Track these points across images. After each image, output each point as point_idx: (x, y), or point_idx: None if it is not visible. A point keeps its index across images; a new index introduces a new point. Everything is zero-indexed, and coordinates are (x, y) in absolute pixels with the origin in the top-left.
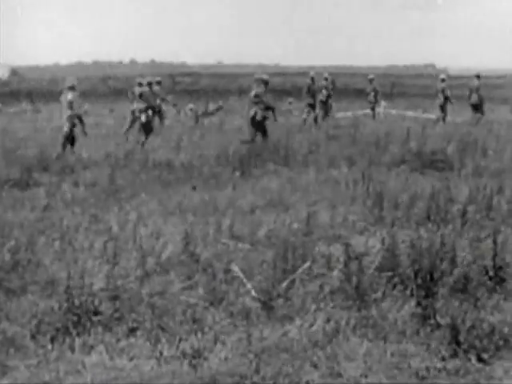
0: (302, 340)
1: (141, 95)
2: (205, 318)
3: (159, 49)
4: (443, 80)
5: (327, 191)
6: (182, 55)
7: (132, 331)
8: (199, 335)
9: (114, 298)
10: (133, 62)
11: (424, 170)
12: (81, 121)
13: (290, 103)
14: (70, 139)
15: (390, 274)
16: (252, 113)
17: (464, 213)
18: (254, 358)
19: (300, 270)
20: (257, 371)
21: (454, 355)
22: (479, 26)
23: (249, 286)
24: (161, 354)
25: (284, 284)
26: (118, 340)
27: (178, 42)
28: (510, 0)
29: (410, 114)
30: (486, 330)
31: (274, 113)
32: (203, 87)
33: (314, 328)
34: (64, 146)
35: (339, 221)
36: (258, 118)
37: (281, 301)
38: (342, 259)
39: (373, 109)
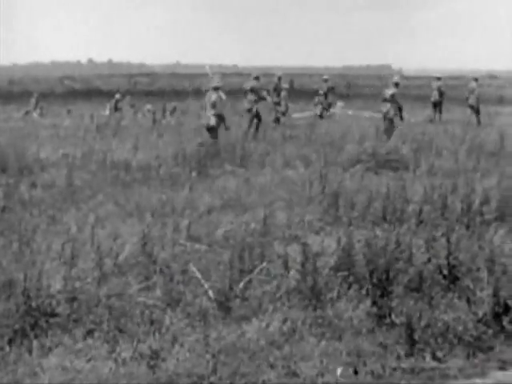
0: (259, 340)
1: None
2: (162, 319)
3: (117, 49)
4: (439, 79)
5: (284, 191)
6: (141, 55)
7: (90, 333)
8: (157, 336)
9: (72, 299)
10: (91, 62)
11: (379, 170)
12: (222, 119)
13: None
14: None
15: (345, 273)
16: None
17: (419, 212)
18: (211, 359)
19: (257, 271)
20: (214, 371)
21: (410, 354)
22: (436, 27)
23: (206, 286)
24: (118, 355)
25: (241, 284)
26: (76, 342)
27: (136, 42)
28: (464, 2)
29: (365, 114)
30: (440, 329)
31: None
32: (161, 88)
33: (271, 328)
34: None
35: (296, 221)
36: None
37: (238, 301)
38: (298, 259)
39: (325, 109)
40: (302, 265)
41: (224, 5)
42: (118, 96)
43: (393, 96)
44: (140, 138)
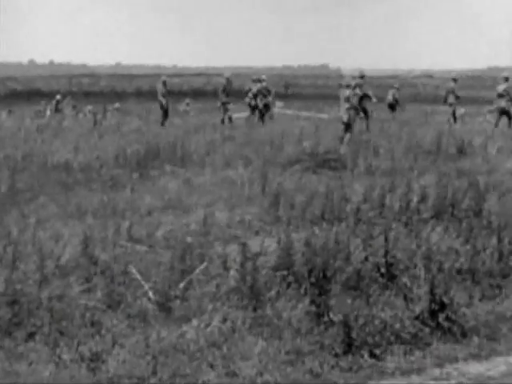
0: (199, 340)
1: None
2: (103, 321)
3: (58, 50)
4: (455, 80)
5: (224, 192)
6: (82, 56)
7: (31, 336)
8: (97, 338)
9: (13, 302)
10: (31, 63)
11: (318, 170)
12: (358, 111)
13: (188, 104)
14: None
15: (285, 273)
16: None
17: (357, 211)
18: (151, 360)
19: (197, 271)
20: (154, 373)
21: (348, 352)
22: (373, 28)
23: (146, 287)
24: (59, 358)
25: (181, 285)
26: (17, 345)
27: (77, 44)
28: (401, 3)
29: (304, 113)
30: (377, 327)
31: None
32: (102, 88)
33: (211, 328)
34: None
35: (236, 221)
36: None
37: (178, 302)
38: (238, 259)
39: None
40: (242, 265)
41: (164, 6)
42: (58, 97)
43: (506, 91)
44: (81, 139)
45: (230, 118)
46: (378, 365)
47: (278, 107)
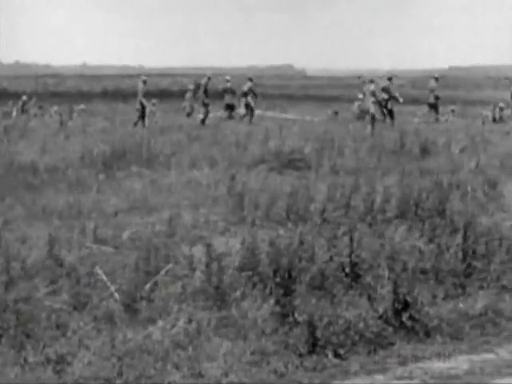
0: (165, 341)
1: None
2: (69, 323)
3: (23, 50)
4: (437, 79)
5: (190, 192)
6: (47, 57)
7: None
8: (63, 340)
9: None
10: None
11: (283, 170)
12: (381, 105)
13: (154, 104)
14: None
15: (250, 273)
16: None
17: (322, 211)
18: (117, 362)
19: (162, 272)
20: (120, 374)
21: (312, 351)
22: (334, 28)
23: (112, 289)
24: (25, 360)
25: (147, 286)
26: None
27: (42, 44)
28: (361, 4)
29: (269, 114)
30: (342, 326)
31: None
32: (68, 89)
33: (176, 329)
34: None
35: (201, 221)
36: None
37: (144, 303)
38: (203, 260)
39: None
40: (207, 265)
41: (129, 5)
42: (25, 98)
43: None
44: (47, 140)
45: (204, 120)
46: (342, 364)
47: (242, 108)
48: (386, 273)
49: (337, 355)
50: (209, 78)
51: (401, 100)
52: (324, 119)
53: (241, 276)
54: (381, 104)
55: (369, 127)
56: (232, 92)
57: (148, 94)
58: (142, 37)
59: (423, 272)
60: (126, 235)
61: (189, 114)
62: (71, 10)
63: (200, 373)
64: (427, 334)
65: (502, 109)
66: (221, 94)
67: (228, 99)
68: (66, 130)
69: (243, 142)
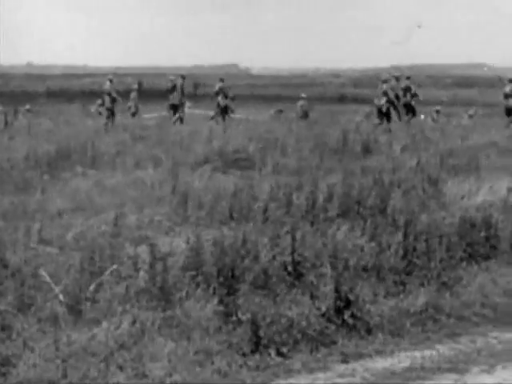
0: (109, 343)
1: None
2: (14, 325)
3: None
4: (397, 79)
5: (134, 192)
6: None
7: None
8: (8, 343)
9: None
10: None
11: (227, 169)
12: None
13: (100, 105)
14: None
15: (194, 273)
16: None
17: (265, 210)
18: (61, 363)
19: (107, 273)
20: (64, 376)
21: (255, 350)
22: (279, 27)
23: (57, 290)
24: None
25: (91, 287)
26: None
27: None
28: (305, 4)
29: (213, 113)
30: (284, 325)
31: None
32: (13, 89)
33: (120, 330)
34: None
35: (146, 222)
36: None
37: (88, 304)
38: (147, 260)
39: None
40: (151, 266)
41: (75, 4)
42: None
43: None
44: None
45: (182, 119)
46: (285, 363)
47: (187, 107)
48: (329, 271)
49: (280, 354)
50: (183, 78)
51: (421, 98)
52: (268, 118)
53: (185, 276)
54: (393, 103)
55: (386, 124)
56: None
57: (93, 95)
58: (87, 36)
59: (365, 270)
60: (70, 236)
61: (134, 114)
62: (15, 7)
63: (144, 373)
64: (369, 332)
65: (438, 111)
66: (165, 94)
67: (172, 99)
68: (11, 131)
69: (187, 141)
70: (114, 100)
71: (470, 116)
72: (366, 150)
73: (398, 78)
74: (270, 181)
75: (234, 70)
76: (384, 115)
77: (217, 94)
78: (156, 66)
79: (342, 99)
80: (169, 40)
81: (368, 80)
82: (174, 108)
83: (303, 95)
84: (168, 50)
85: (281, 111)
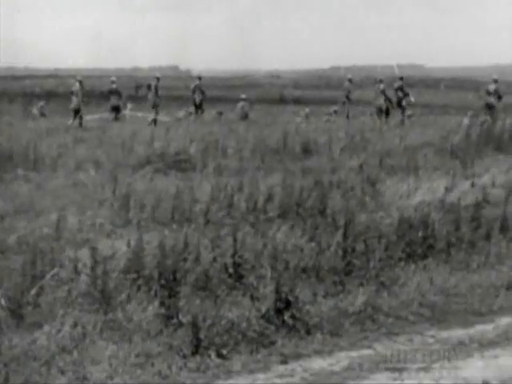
0: (51, 346)
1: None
2: None
3: None
4: (350, 80)
5: (76, 195)
6: None
7: None
8: None
9: None
10: None
11: (168, 171)
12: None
13: (42, 107)
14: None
15: (135, 275)
16: None
17: (206, 212)
18: (3, 368)
19: (48, 276)
20: (6, 380)
21: (196, 352)
22: (219, 29)
23: None
24: None
25: (33, 291)
26: None
27: None
28: (247, 5)
29: (152, 116)
30: (225, 326)
31: None
32: None
33: (62, 334)
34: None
35: (87, 224)
36: None
37: (30, 308)
38: (88, 263)
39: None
40: (92, 269)
41: (17, 1)
42: None
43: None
44: None
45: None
46: (225, 364)
47: (128, 109)
48: (269, 272)
49: (220, 355)
50: (158, 79)
51: (412, 99)
52: (209, 120)
53: (126, 278)
54: (390, 101)
55: (381, 121)
56: (118, 93)
57: (34, 96)
58: (25, 36)
59: (304, 270)
60: (12, 239)
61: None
62: None
63: (85, 376)
64: (308, 332)
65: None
66: (106, 96)
67: (114, 101)
68: None
69: (128, 143)
70: (82, 101)
71: (335, 112)
72: (306, 151)
73: (401, 78)
74: (211, 182)
75: (174, 72)
76: (383, 113)
77: (193, 91)
78: (98, 68)
79: (282, 100)
80: (108, 41)
81: (308, 81)
82: (116, 109)
83: (243, 96)
84: (108, 52)
85: (221, 113)
